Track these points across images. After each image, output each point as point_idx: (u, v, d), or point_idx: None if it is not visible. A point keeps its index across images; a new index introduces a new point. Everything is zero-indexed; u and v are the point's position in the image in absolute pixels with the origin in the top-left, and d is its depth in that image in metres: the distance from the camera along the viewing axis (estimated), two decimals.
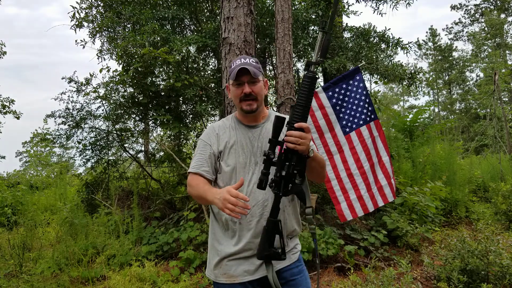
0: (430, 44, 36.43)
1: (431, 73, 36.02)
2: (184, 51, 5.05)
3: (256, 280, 1.57)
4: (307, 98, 1.37)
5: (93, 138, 6.61)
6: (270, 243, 1.46)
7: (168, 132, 6.42)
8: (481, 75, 30.13)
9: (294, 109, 1.39)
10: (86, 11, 6.32)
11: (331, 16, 1.36)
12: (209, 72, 6.83)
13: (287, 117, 1.53)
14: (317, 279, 1.53)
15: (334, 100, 3.82)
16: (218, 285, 1.62)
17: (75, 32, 6.28)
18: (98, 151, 6.65)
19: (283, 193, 1.43)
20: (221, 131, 1.69)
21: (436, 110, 35.42)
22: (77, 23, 6.21)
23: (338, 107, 3.83)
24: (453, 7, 32.45)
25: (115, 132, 6.55)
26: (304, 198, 1.45)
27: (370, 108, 3.80)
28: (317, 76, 1.39)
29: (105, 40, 6.56)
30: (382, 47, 6.31)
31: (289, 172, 1.41)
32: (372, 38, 6.25)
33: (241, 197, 1.34)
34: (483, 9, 30.77)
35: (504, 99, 24.42)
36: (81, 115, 6.50)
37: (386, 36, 6.20)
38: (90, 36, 6.26)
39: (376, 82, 6.91)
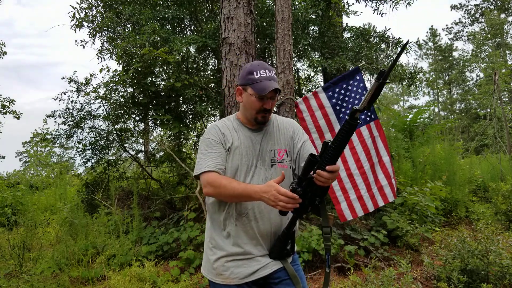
0: (430, 44, 36.45)
1: (431, 73, 36.03)
2: (184, 51, 5.05)
3: (251, 281, 1.59)
4: (342, 142, 1.37)
5: (93, 138, 6.61)
6: (283, 248, 1.61)
7: (168, 132, 6.42)
8: (481, 75, 30.16)
9: (327, 149, 1.38)
10: (86, 11, 6.31)
11: (390, 67, 1.28)
12: (209, 72, 6.83)
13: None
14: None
15: (334, 100, 3.82)
16: (214, 285, 1.63)
17: (75, 32, 6.28)
18: (98, 151, 6.65)
19: (301, 216, 1.55)
20: (225, 131, 1.68)
21: (436, 110, 35.44)
22: (77, 23, 6.20)
23: (338, 107, 3.83)
24: (453, 7, 32.47)
25: (115, 132, 6.56)
26: (320, 216, 1.54)
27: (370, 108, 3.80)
28: (358, 122, 1.37)
29: (105, 40, 6.56)
30: (382, 47, 6.31)
31: (311, 199, 1.48)
32: (372, 38, 6.26)
33: (289, 195, 1.36)
34: (483, 9, 30.78)
35: (504, 99, 24.43)
36: (81, 115, 6.50)
37: (386, 36, 6.20)
38: (90, 36, 6.26)
39: None
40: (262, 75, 1.59)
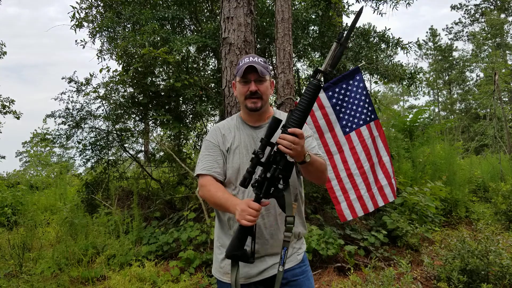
0: (430, 44, 36.45)
1: (431, 73, 36.03)
2: (184, 51, 5.05)
3: (258, 281, 1.58)
4: (308, 105, 1.37)
5: (93, 138, 6.61)
6: (241, 244, 1.44)
7: (168, 132, 6.42)
8: (481, 75, 30.17)
9: (292, 113, 1.39)
10: (86, 11, 6.32)
11: (350, 29, 1.32)
12: (209, 72, 6.83)
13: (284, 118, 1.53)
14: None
15: (334, 100, 3.82)
16: (222, 284, 1.63)
17: (75, 32, 6.28)
18: (98, 151, 6.65)
19: (263, 195, 1.42)
20: (226, 132, 1.69)
21: (436, 110, 35.44)
22: (77, 23, 6.20)
23: (338, 107, 3.83)
24: (453, 7, 32.48)
25: (115, 132, 6.55)
26: (284, 204, 1.43)
27: (370, 108, 3.80)
28: (322, 84, 1.38)
29: (105, 40, 6.56)
30: (382, 47, 6.30)
31: (274, 175, 1.41)
32: (372, 38, 6.25)
33: (260, 209, 1.38)
34: (483, 9, 30.79)
35: (504, 99, 24.42)
36: (81, 115, 6.50)
37: (386, 36, 6.19)
38: (90, 36, 6.26)
39: (376, 82, 6.92)
40: (245, 61, 1.62)
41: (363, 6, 1.46)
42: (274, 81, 2.03)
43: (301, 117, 1.37)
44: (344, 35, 1.34)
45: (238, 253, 1.44)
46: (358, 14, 1.37)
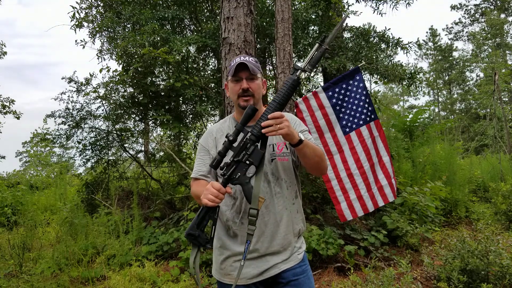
0: (430, 44, 36.44)
1: (431, 73, 36.02)
2: (184, 51, 5.05)
3: (259, 281, 1.58)
4: (284, 98, 1.42)
5: (93, 138, 6.61)
6: (199, 224, 1.43)
7: (168, 132, 6.42)
8: (481, 75, 30.15)
9: (268, 104, 1.43)
10: (86, 11, 6.32)
11: (333, 33, 1.37)
12: (209, 72, 6.83)
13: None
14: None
15: (334, 100, 3.82)
16: (222, 285, 1.63)
17: (75, 32, 6.28)
18: (98, 151, 6.65)
19: (227, 177, 1.44)
20: (218, 134, 1.70)
21: (436, 110, 35.43)
22: (77, 23, 6.20)
23: (338, 107, 3.83)
24: (453, 7, 32.48)
25: (115, 132, 6.56)
26: (250, 195, 1.43)
27: (370, 108, 3.80)
28: (300, 81, 1.43)
29: (105, 40, 6.56)
30: (382, 47, 6.30)
31: (241, 160, 1.43)
32: (372, 38, 6.24)
33: (222, 191, 1.39)
34: (483, 9, 30.79)
35: (504, 99, 24.41)
36: (81, 115, 6.51)
37: (386, 36, 6.19)
38: (90, 36, 6.26)
39: (376, 82, 6.91)
40: (236, 60, 1.63)
41: (347, 14, 1.54)
42: (268, 80, 2.04)
43: (277, 108, 1.41)
44: (326, 37, 1.40)
45: (195, 233, 1.42)
46: (342, 21, 1.44)
